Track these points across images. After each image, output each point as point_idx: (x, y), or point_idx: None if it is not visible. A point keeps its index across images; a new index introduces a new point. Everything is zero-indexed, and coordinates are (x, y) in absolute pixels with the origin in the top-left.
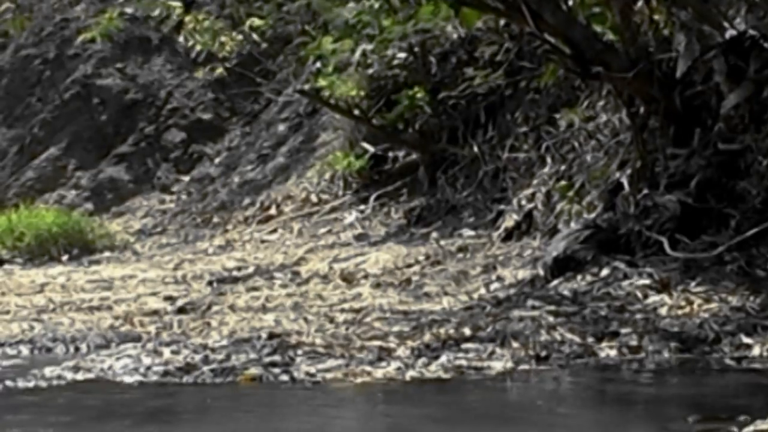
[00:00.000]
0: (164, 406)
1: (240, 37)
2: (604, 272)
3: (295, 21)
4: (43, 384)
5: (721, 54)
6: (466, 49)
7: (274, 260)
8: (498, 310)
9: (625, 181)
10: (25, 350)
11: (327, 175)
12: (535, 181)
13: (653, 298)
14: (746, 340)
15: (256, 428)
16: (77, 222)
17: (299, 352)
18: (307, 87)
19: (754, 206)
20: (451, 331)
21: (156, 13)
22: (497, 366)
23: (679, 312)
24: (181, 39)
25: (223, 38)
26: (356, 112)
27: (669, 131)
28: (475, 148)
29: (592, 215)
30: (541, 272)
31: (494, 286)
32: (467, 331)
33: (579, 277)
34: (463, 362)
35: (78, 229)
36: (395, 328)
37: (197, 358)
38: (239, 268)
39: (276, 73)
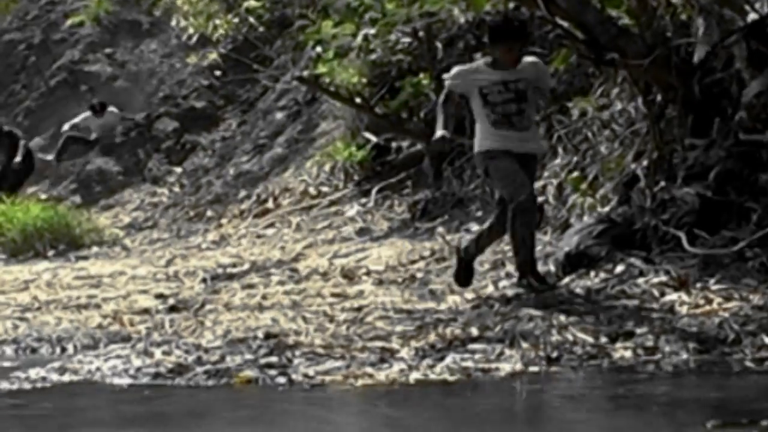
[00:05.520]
0: (155, 410)
1: (235, 20)
2: (619, 269)
3: (293, 4)
4: (27, 386)
5: (742, 39)
6: (474, 33)
7: (271, 256)
8: (507, 309)
9: (640, 173)
10: (8, 351)
11: (327, 167)
12: (546, 173)
13: (670, 297)
14: None
15: None
16: (63, 216)
17: (297, 353)
18: (305, 74)
19: None
20: (458, 331)
21: None
22: (506, 368)
23: (698, 311)
24: (173, 22)
25: (217, 21)
26: (358, 100)
27: (687, 121)
28: None
29: (606, 209)
30: (553, 269)
31: (503, 283)
32: (474, 331)
33: (592, 274)
34: (470, 364)
35: (64, 223)
36: (398, 328)
37: (190, 359)
38: (234, 265)
39: (273, 59)
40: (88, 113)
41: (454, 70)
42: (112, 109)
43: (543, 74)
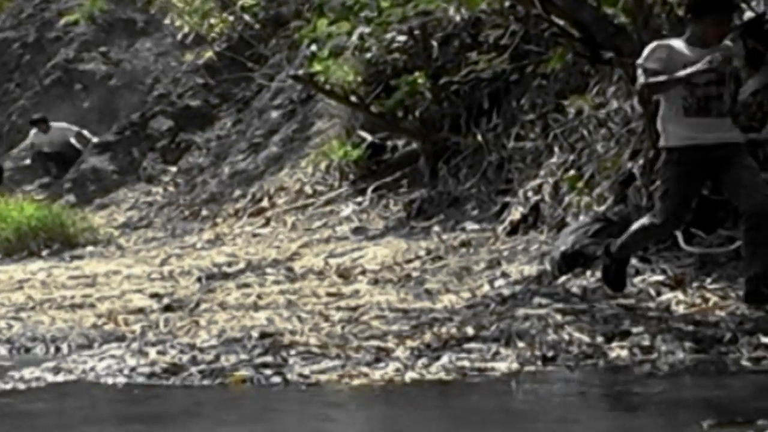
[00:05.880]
0: (150, 410)
1: (230, 18)
2: None
3: (288, 2)
4: (22, 386)
5: (738, 37)
6: (470, 32)
7: (266, 255)
8: (503, 308)
9: (637, 172)
10: (2, 350)
11: (322, 166)
12: (542, 172)
13: (667, 296)
14: (764, 340)
15: None
16: (58, 215)
17: (292, 352)
18: (301, 72)
19: None
20: (453, 331)
21: None
22: (502, 367)
23: (694, 310)
24: (168, 21)
25: (212, 20)
26: (353, 98)
27: None
28: (479, 137)
29: (603, 208)
30: (549, 268)
31: (499, 282)
32: (470, 331)
33: (588, 273)
34: (466, 363)
35: (59, 223)
36: (394, 327)
37: (185, 358)
38: (229, 264)
39: (268, 57)
40: (34, 130)
41: (649, 48)
42: (57, 124)
43: (734, 59)
